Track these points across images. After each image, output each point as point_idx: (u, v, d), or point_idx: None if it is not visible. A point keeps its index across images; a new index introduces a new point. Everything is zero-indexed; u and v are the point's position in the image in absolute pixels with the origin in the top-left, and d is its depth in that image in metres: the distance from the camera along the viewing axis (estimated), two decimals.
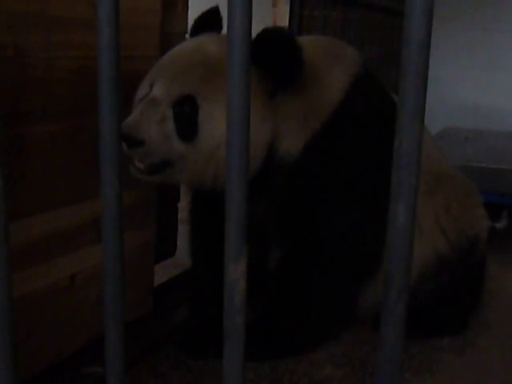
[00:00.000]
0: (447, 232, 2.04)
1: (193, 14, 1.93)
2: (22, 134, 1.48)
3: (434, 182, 2.05)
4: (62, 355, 1.70)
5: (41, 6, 1.48)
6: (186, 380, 1.77)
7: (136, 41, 1.82)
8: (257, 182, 1.70)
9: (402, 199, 0.63)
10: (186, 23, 2.06)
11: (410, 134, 0.61)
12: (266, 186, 1.79)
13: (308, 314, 1.93)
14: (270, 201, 1.85)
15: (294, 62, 1.68)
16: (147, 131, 1.59)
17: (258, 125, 1.67)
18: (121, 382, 0.84)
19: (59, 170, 1.60)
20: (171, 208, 2.22)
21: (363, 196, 1.88)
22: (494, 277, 2.56)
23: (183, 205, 2.15)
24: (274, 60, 1.67)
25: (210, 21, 1.86)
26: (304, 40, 1.82)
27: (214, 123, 1.62)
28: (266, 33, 1.68)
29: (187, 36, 1.95)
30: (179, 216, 2.29)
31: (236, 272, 0.70)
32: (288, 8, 2.87)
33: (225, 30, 1.80)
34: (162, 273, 2.26)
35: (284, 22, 2.87)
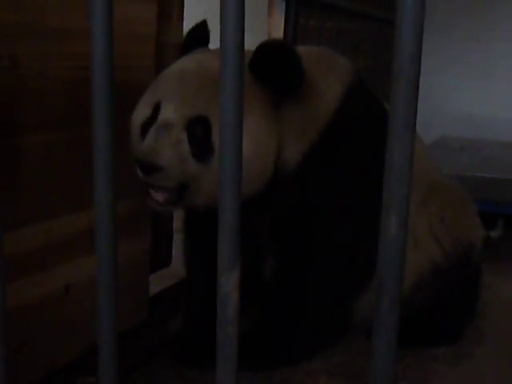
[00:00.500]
0: (441, 241, 2.04)
1: (188, 25, 1.93)
2: (17, 144, 1.48)
3: (427, 191, 2.05)
4: (57, 366, 1.69)
5: (36, 16, 1.48)
6: None
7: (131, 51, 1.82)
8: (261, 194, 1.71)
9: (394, 210, 0.63)
10: (181, 34, 2.06)
11: (402, 145, 0.62)
12: (265, 197, 1.79)
13: (303, 323, 1.93)
14: (265, 211, 1.85)
15: (296, 71, 1.69)
16: (163, 156, 1.57)
17: (266, 138, 1.67)
18: None
19: (54, 180, 1.60)
20: (166, 217, 2.22)
21: (358, 205, 1.88)
22: (490, 286, 2.56)
23: (178, 214, 2.15)
24: (276, 70, 1.67)
25: (199, 35, 1.85)
26: (298, 50, 1.83)
27: None
28: (266, 45, 1.70)
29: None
30: (174, 225, 2.29)
31: (229, 284, 0.70)
32: (283, 18, 2.87)
33: (213, 44, 1.81)
34: (158, 283, 2.26)
35: (279, 32, 2.87)
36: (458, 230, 2.07)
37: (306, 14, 3.07)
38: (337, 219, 1.88)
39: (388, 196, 0.63)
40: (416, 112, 0.63)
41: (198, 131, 1.62)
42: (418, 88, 0.63)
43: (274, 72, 1.68)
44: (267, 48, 1.69)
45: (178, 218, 2.19)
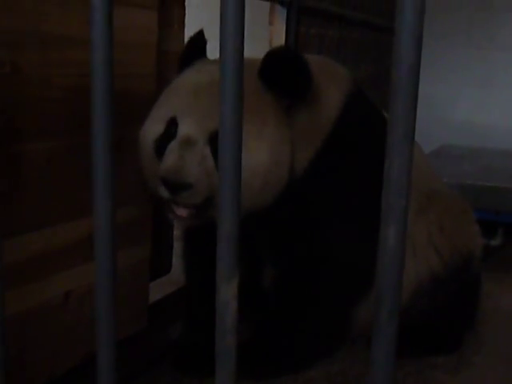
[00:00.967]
0: (440, 250, 2.04)
1: (189, 33, 1.93)
2: (18, 151, 1.48)
3: (425, 200, 2.05)
4: (56, 374, 1.69)
5: (38, 23, 1.49)
6: None
7: (132, 59, 1.82)
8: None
9: (393, 221, 0.63)
10: (183, 42, 2.06)
11: (400, 156, 0.62)
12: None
13: (303, 331, 1.93)
14: (267, 219, 1.84)
15: (305, 77, 1.71)
16: (191, 174, 1.56)
17: (283, 145, 1.68)
18: None
19: (55, 188, 1.60)
20: (167, 225, 2.21)
21: (358, 214, 1.88)
22: (490, 294, 2.56)
23: None
24: (287, 77, 1.68)
25: (197, 46, 1.84)
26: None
27: (250, 153, 1.60)
28: (275, 52, 1.72)
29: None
30: (175, 233, 2.29)
31: (228, 292, 0.70)
32: (284, 26, 2.88)
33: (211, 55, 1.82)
34: (158, 290, 2.26)
35: (280, 40, 2.88)
36: (457, 239, 2.07)
37: (307, 23, 3.07)
38: (337, 228, 1.88)
39: (386, 207, 0.63)
40: (415, 122, 0.63)
41: None
42: (417, 98, 0.63)
43: (284, 79, 1.69)
44: (277, 55, 1.71)
45: (178, 225, 2.19)
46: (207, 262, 1.83)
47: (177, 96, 1.71)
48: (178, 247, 2.23)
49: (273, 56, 1.71)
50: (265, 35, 2.98)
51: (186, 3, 2.09)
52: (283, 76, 1.68)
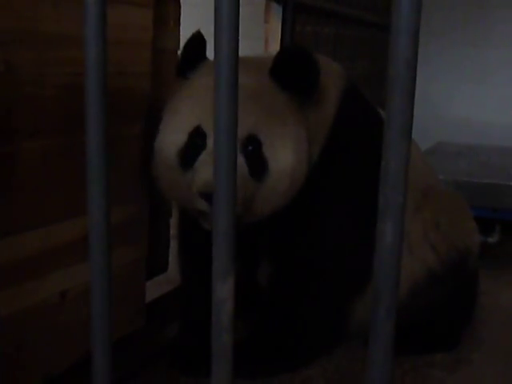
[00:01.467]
0: (437, 247, 2.04)
1: (184, 31, 1.92)
2: (13, 150, 1.47)
3: (422, 197, 2.05)
4: (52, 373, 1.68)
5: (32, 22, 1.48)
6: None
7: (127, 57, 1.81)
8: None
9: (390, 218, 0.63)
10: (178, 40, 2.06)
11: (397, 153, 0.61)
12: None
13: (300, 329, 1.93)
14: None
15: (315, 74, 1.72)
16: None
17: (303, 143, 1.70)
18: None
19: (50, 187, 1.59)
20: (163, 223, 2.21)
21: (355, 213, 1.88)
22: (487, 292, 2.56)
23: (175, 221, 2.15)
24: (301, 75, 1.70)
25: (195, 46, 1.81)
26: None
27: (278, 154, 1.64)
28: (287, 51, 1.77)
29: (179, 55, 1.92)
30: (171, 232, 2.28)
31: (223, 291, 0.70)
32: (280, 24, 2.88)
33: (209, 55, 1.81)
34: (154, 289, 2.25)
35: (276, 38, 2.88)
36: (454, 236, 2.07)
37: (302, 20, 3.07)
38: (335, 225, 1.88)
39: (384, 204, 0.63)
40: (412, 119, 0.63)
41: (252, 151, 1.63)
42: (413, 95, 0.63)
43: (297, 78, 1.70)
44: (289, 54, 1.72)
45: (174, 224, 2.19)
46: (203, 261, 1.83)
47: (198, 104, 1.69)
48: (174, 245, 2.22)
49: (285, 55, 1.72)
50: (260, 33, 2.97)
51: (182, 1, 2.08)
52: (296, 75, 1.70)
